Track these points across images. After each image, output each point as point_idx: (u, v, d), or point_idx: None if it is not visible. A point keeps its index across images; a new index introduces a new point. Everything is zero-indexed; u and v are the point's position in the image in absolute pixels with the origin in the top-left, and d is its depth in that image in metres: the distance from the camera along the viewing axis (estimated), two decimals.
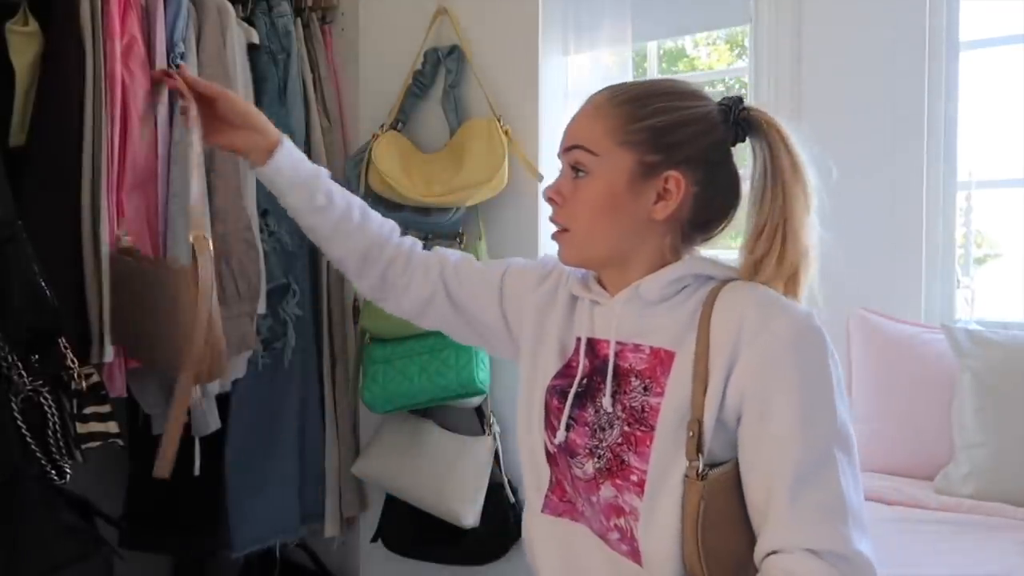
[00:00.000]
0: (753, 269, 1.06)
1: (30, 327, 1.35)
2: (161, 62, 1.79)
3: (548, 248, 1.15)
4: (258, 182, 1.35)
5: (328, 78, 2.43)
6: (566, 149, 1.10)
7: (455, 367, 2.17)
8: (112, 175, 1.70)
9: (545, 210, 1.21)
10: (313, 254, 2.32)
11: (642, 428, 1.04)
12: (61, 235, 1.64)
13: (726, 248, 1.19)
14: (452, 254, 1.31)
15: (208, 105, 1.24)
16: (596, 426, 1.08)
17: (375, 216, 1.31)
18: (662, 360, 1.06)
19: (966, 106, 2.17)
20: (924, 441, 1.93)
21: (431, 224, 2.26)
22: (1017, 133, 2.19)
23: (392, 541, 2.40)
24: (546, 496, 1.14)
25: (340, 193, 1.27)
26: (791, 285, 1.06)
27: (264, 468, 2.22)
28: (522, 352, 1.21)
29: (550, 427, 1.13)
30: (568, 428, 1.10)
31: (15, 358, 1.33)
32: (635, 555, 1.04)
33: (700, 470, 0.98)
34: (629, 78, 2.39)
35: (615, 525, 1.06)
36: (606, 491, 1.06)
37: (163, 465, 1.29)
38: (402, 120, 2.36)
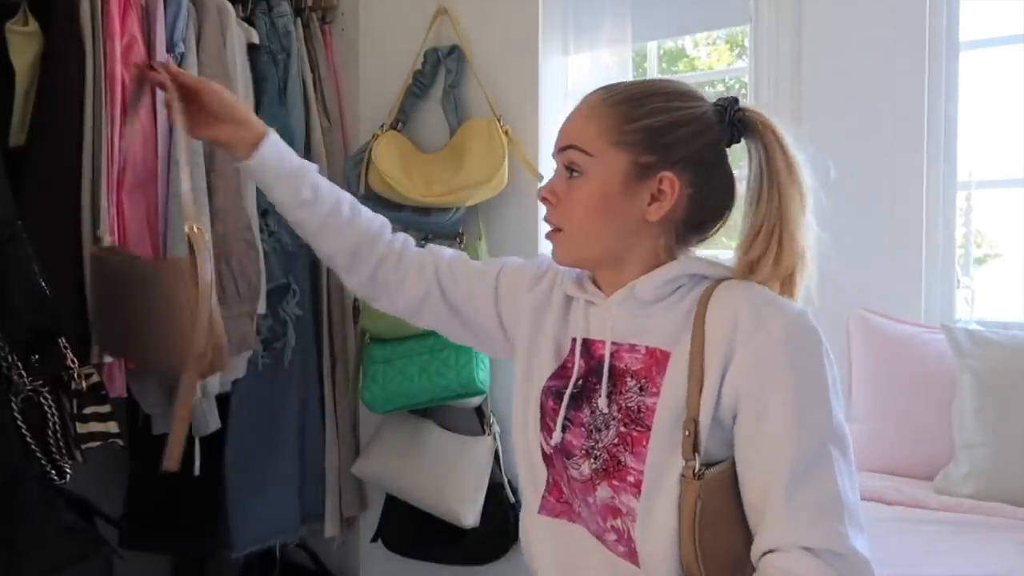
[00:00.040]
0: (748, 269, 1.06)
1: (30, 327, 1.35)
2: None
3: (548, 248, 1.15)
4: None
5: (328, 78, 2.43)
6: (560, 149, 1.10)
7: (455, 367, 2.17)
8: (112, 175, 1.70)
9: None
10: (313, 254, 2.32)
11: (638, 428, 1.04)
12: (61, 235, 1.64)
13: (724, 248, 1.19)
14: (446, 252, 1.30)
15: (192, 98, 1.23)
16: (592, 427, 1.08)
17: (365, 212, 1.29)
18: (658, 360, 1.05)
19: (966, 106, 2.17)
20: (924, 441, 1.93)
21: (431, 224, 2.26)
22: (1017, 133, 2.19)
23: (392, 541, 2.41)
24: (543, 497, 1.14)
25: (328, 188, 1.26)
26: (787, 286, 1.07)
27: (264, 468, 2.22)
28: (517, 353, 1.20)
29: (546, 428, 1.13)
30: (564, 429, 1.10)
31: (15, 358, 1.33)
32: (632, 556, 1.04)
33: (696, 470, 0.98)
34: (629, 78, 2.39)
35: (612, 526, 1.06)
36: (602, 492, 1.06)
37: (171, 461, 1.29)
38: (402, 120, 2.36)
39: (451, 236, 2.30)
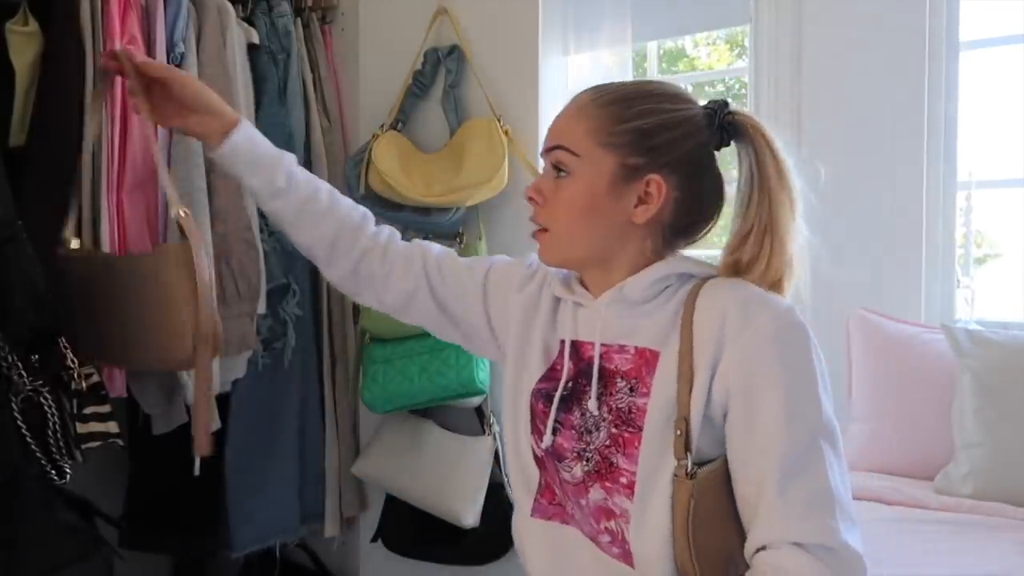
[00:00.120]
0: (734, 269, 1.05)
1: (31, 327, 1.35)
2: (161, 62, 1.79)
3: None
4: None
5: (328, 78, 2.43)
6: (548, 149, 1.09)
7: (455, 367, 2.17)
8: (112, 175, 1.70)
9: None
10: None
11: (630, 429, 1.03)
12: (61, 235, 1.63)
13: (717, 248, 1.19)
14: (433, 247, 1.28)
15: (163, 88, 1.22)
16: (583, 429, 1.07)
17: (346, 202, 1.27)
18: (647, 360, 1.05)
19: (966, 106, 2.17)
20: (924, 441, 1.93)
21: (431, 224, 2.26)
22: (1017, 133, 2.19)
23: (392, 541, 2.41)
24: (535, 499, 1.14)
25: (306, 177, 1.24)
26: (775, 290, 1.06)
27: (264, 468, 2.22)
28: (507, 355, 1.19)
29: (536, 431, 1.12)
30: (555, 432, 1.09)
31: (15, 358, 1.33)
32: (627, 557, 1.04)
33: (689, 469, 0.98)
34: (629, 78, 2.39)
35: (606, 528, 1.06)
36: (595, 494, 1.06)
37: (203, 447, 1.29)
38: (402, 120, 2.36)
39: (451, 236, 2.31)
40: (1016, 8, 2.16)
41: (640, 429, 1.02)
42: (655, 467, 1.01)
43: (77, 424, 1.39)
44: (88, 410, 1.40)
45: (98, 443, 1.41)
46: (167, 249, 1.41)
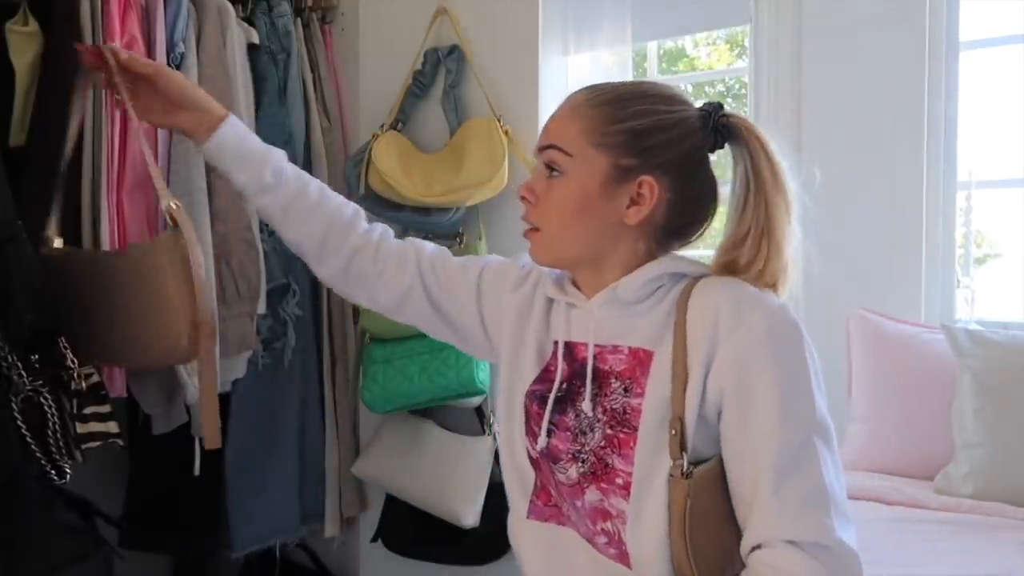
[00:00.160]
0: (728, 270, 1.05)
1: (31, 327, 1.35)
2: (161, 62, 1.79)
3: None
4: None
5: (328, 78, 2.43)
6: (541, 148, 1.09)
7: (455, 367, 2.17)
8: (112, 175, 1.70)
9: None
10: None
11: (625, 430, 1.03)
12: (61, 235, 1.63)
13: (711, 249, 1.18)
14: (427, 246, 1.27)
15: (148, 84, 1.22)
16: (577, 430, 1.07)
17: (336, 198, 1.26)
18: (641, 360, 1.05)
19: (966, 106, 2.17)
20: (924, 441, 1.93)
21: (431, 224, 2.26)
22: (1017, 133, 2.19)
23: (392, 541, 2.41)
24: (531, 501, 1.13)
25: (295, 173, 1.24)
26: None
27: (264, 468, 2.22)
28: (501, 356, 1.18)
29: (531, 433, 1.12)
30: (549, 434, 1.09)
31: (15, 358, 1.33)
32: (623, 558, 1.04)
33: (685, 468, 0.98)
34: (629, 78, 2.39)
35: (602, 529, 1.06)
36: (591, 495, 1.05)
37: (211, 439, 1.28)
38: (402, 120, 2.36)
39: (451, 236, 2.31)
40: (1016, 8, 2.16)
41: (635, 429, 1.02)
42: (651, 467, 1.01)
43: (77, 424, 1.39)
44: (88, 410, 1.40)
45: (98, 443, 1.41)
46: (156, 240, 1.40)
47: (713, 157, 1.10)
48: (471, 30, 2.34)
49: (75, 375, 1.39)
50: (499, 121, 2.23)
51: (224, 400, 2.03)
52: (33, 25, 1.63)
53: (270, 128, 2.12)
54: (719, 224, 1.12)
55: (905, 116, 2.14)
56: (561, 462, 1.08)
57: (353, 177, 2.28)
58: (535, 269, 1.19)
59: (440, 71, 2.38)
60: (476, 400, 2.25)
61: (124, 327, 1.37)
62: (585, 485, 1.06)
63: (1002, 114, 2.22)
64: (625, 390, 1.05)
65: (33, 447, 1.32)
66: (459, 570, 2.35)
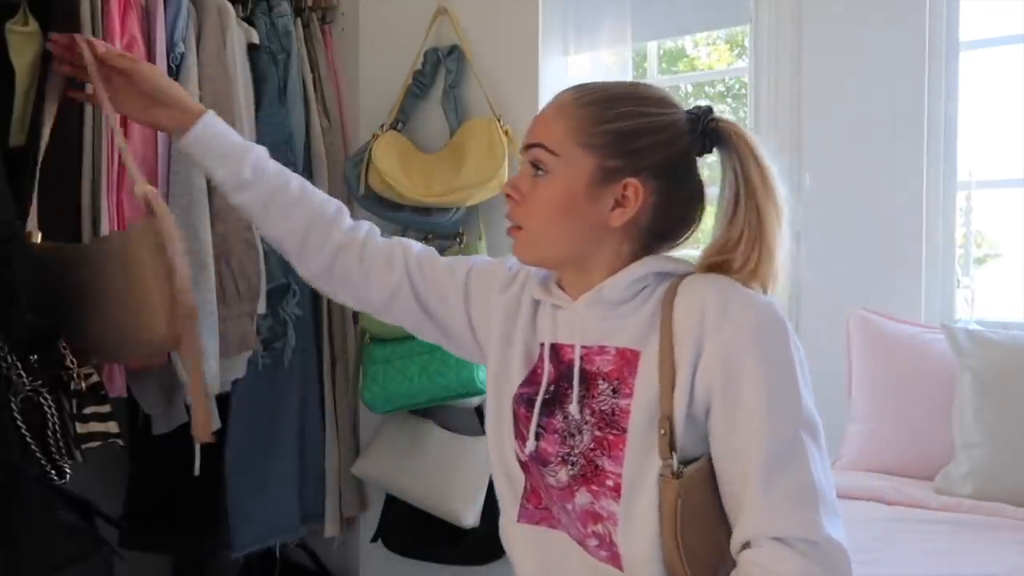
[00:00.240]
0: (713, 270, 1.04)
1: (31, 327, 1.35)
2: (161, 62, 1.79)
3: None
4: None
5: (328, 78, 2.43)
6: (527, 146, 1.08)
7: (455, 367, 2.17)
8: (112, 175, 1.70)
9: None
10: None
11: (614, 432, 1.03)
12: (61, 235, 1.63)
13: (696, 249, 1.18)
14: (414, 245, 1.25)
15: (124, 79, 1.22)
16: (566, 433, 1.06)
17: (319, 194, 1.24)
18: (628, 360, 1.04)
19: (966, 106, 2.17)
20: (924, 441, 1.93)
21: (431, 224, 2.26)
22: (1017, 133, 2.20)
23: (392, 541, 2.41)
24: (521, 504, 1.13)
25: (276, 169, 1.22)
26: None
27: (264, 468, 2.22)
28: (489, 358, 1.17)
29: (520, 436, 1.11)
30: (537, 437, 1.08)
31: (15, 358, 1.33)
32: (615, 560, 1.03)
33: (675, 468, 0.98)
34: (629, 78, 2.39)
35: (593, 531, 1.05)
36: (581, 498, 1.05)
37: (203, 432, 1.26)
38: (402, 120, 2.36)
39: (451, 236, 2.31)
40: (1016, 8, 2.16)
41: (624, 431, 1.02)
42: (640, 468, 1.00)
43: (77, 424, 1.39)
44: (88, 410, 1.40)
45: (98, 443, 1.41)
46: (133, 227, 1.38)
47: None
48: (471, 30, 2.34)
49: (75, 375, 1.39)
50: (499, 121, 2.23)
51: (224, 400, 2.05)
52: (33, 25, 1.62)
53: (270, 128, 2.13)
54: (706, 226, 1.11)
55: (905, 116, 2.14)
56: (550, 465, 1.07)
57: (353, 177, 2.28)
58: (523, 270, 1.18)
59: (440, 71, 2.37)
60: (476, 400, 2.25)
61: (108, 318, 1.35)
62: (575, 488, 1.05)
63: (1002, 114, 2.23)
64: (613, 391, 1.04)
65: (33, 447, 1.32)
66: (459, 570, 2.35)
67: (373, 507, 2.48)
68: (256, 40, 2.16)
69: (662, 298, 1.04)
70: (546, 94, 2.30)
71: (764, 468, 0.95)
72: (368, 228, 1.25)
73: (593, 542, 1.06)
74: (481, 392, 2.20)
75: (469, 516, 2.21)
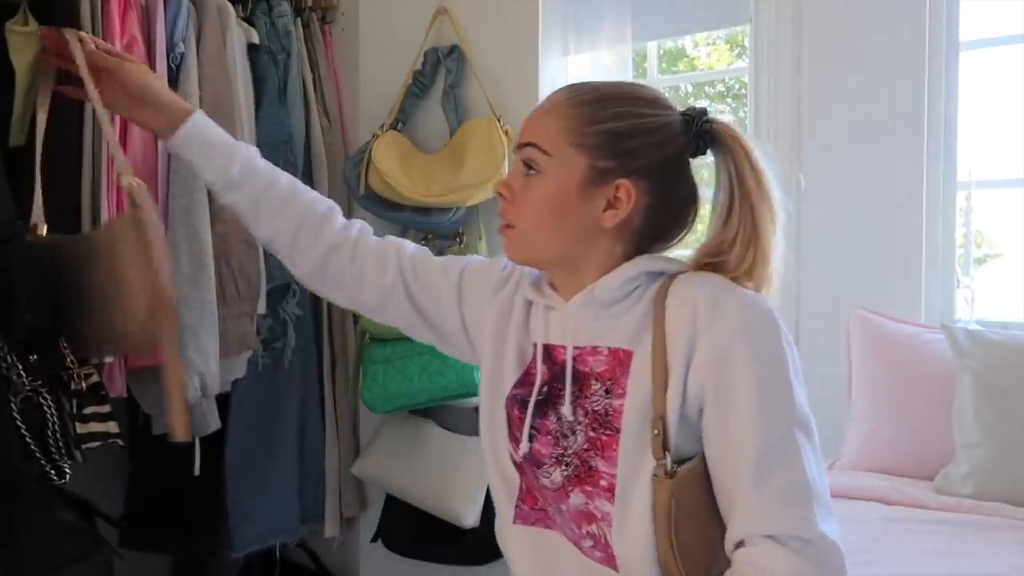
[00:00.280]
0: (710, 270, 1.04)
1: (31, 327, 1.35)
2: (161, 62, 1.79)
3: None
4: None
5: (328, 78, 2.43)
6: (520, 145, 1.08)
7: (455, 367, 2.17)
8: (112, 175, 1.70)
9: None
10: None
11: (607, 432, 1.02)
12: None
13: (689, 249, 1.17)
14: (408, 245, 1.24)
15: (111, 77, 1.22)
16: (559, 434, 1.06)
17: (310, 193, 1.24)
18: (621, 360, 1.04)
19: (966, 106, 2.17)
20: (924, 441, 1.93)
21: (431, 224, 2.26)
22: (1017, 133, 2.20)
23: (392, 541, 2.40)
24: (516, 506, 1.12)
25: (266, 168, 1.21)
26: None
27: (264, 468, 2.22)
28: (482, 359, 1.17)
29: (513, 438, 1.11)
30: (531, 438, 1.08)
31: (15, 358, 1.33)
32: (609, 560, 1.03)
33: (668, 468, 0.97)
34: (629, 78, 2.39)
35: (587, 532, 1.05)
36: (576, 498, 1.05)
37: (179, 430, 1.25)
38: (402, 120, 2.36)
39: (451, 236, 2.31)
40: (1016, 8, 2.16)
41: (617, 431, 1.01)
42: (634, 468, 1.00)
43: (77, 424, 1.39)
44: (88, 410, 1.40)
45: (98, 443, 1.41)
46: (118, 220, 1.38)
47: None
48: (471, 30, 2.34)
49: (75, 375, 1.39)
50: (499, 121, 2.23)
51: (224, 400, 2.05)
52: (33, 25, 1.62)
53: (270, 128, 2.13)
54: (699, 227, 1.11)
55: (905, 116, 2.14)
56: (545, 466, 1.07)
57: (353, 177, 2.28)
58: (516, 270, 1.18)
59: (440, 71, 2.38)
60: (476, 400, 2.25)
61: (96, 311, 1.35)
62: (569, 489, 1.05)
63: (1002, 114, 2.23)
64: (606, 391, 1.04)
65: (33, 447, 1.32)
66: (459, 570, 2.35)
67: (373, 507, 2.48)
68: (256, 40, 2.16)
69: (654, 297, 1.04)
70: (546, 94, 2.29)
71: (757, 466, 0.95)
72: (360, 227, 1.25)
73: (588, 543, 1.05)
74: None
75: (469, 516, 2.21)
